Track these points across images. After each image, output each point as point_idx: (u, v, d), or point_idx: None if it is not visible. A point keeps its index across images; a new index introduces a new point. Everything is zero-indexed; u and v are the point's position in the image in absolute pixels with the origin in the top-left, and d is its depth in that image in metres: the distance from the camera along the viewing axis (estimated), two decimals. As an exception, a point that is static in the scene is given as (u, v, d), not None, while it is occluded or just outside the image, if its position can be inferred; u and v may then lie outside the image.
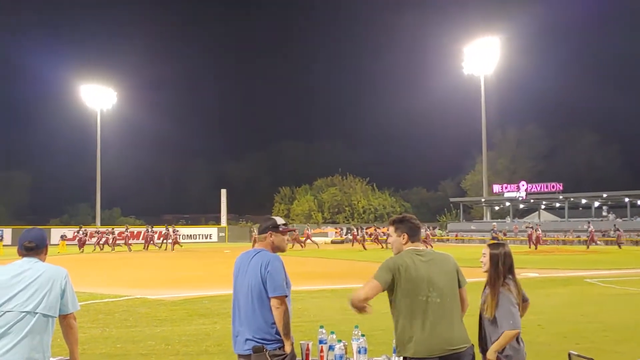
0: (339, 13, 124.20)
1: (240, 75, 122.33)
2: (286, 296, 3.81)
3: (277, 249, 4.07)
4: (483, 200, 59.71)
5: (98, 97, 57.48)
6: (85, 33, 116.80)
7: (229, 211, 60.83)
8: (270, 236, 4.05)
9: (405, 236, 3.85)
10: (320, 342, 4.11)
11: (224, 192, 58.95)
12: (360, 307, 3.55)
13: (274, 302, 3.75)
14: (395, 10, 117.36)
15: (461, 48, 58.38)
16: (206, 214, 78.50)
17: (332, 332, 4.19)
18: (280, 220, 4.14)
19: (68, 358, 3.84)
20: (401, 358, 3.72)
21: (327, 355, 4.07)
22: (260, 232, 4.10)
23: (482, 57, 56.56)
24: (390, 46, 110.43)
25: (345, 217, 68.86)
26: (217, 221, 60.96)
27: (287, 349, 3.76)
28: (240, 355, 3.87)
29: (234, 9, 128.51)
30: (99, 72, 62.09)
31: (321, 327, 4.21)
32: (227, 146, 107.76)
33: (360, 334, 4.23)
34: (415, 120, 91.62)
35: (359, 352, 4.14)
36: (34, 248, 3.66)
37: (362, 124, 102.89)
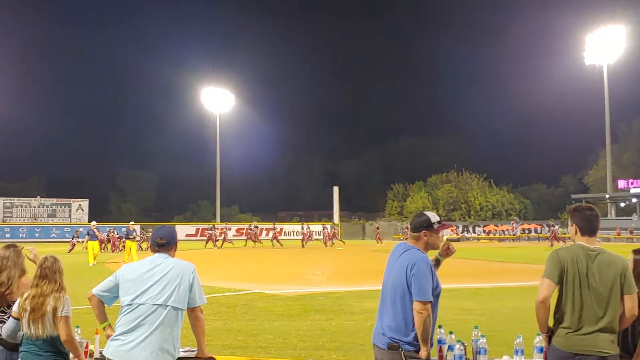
0: (454, 5, 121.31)
1: (353, 73, 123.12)
2: (430, 302, 3.60)
3: (431, 247, 3.87)
4: (607, 196, 56.22)
5: (217, 100, 60.07)
6: (206, 38, 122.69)
7: (341, 208, 61.29)
8: (424, 236, 3.83)
9: (576, 227, 3.68)
10: (439, 342, 4.06)
11: (336, 189, 59.45)
12: (540, 310, 3.60)
13: (416, 306, 3.58)
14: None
15: (583, 37, 55.35)
16: (319, 211, 79.61)
17: (451, 333, 4.13)
18: (434, 217, 3.88)
19: (195, 349, 4.05)
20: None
21: (446, 356, 4.01)
22: (412, 230, 3.89)
23: (605, 46, 53.22)
24: (508, 36, 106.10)
25: (462, 215, 67.17)
26: (330, 218, 61.62)
27: (423, 354, 3.59)
28: (375, 346, 3.81)
29: (347, 7, 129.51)
30: (218, 75, 64.58)
31: (440, 327, 4.15)
32: (340, 144, 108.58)
33: (480, 334, 4.14)
34: (534, 113, 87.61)
35: (479, 352, 4.05)
36: (165, 245, 3.88)
37: (478, 118, 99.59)
